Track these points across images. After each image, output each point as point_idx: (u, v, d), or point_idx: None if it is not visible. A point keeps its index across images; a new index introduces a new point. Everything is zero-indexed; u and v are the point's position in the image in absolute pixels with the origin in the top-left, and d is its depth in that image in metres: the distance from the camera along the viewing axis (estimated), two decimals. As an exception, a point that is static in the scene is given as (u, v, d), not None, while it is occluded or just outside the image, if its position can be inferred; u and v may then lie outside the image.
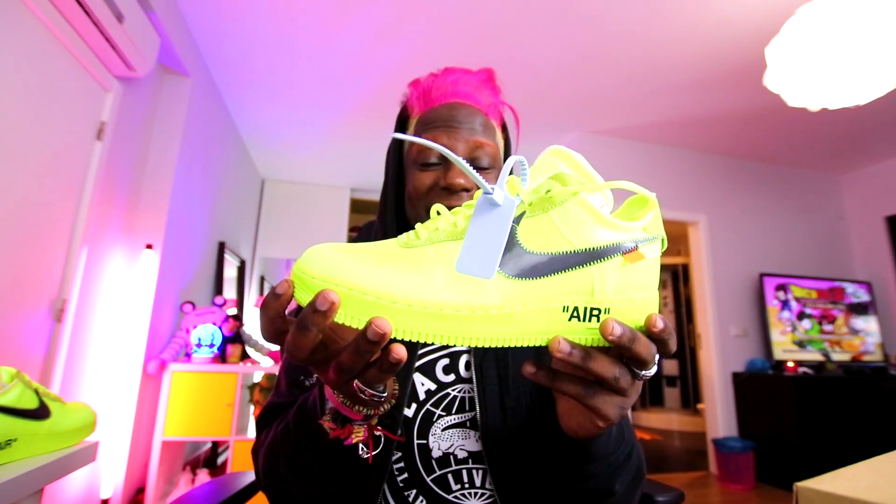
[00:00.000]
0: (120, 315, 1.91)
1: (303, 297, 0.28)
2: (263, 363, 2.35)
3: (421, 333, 0.28)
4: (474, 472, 0.54)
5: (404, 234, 0.33)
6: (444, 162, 0.58)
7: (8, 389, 0.57)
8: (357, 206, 4.61)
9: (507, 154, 0.65)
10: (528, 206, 0.31)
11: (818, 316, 3.45)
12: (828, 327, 3.45)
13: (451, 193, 0.56)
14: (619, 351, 0.31)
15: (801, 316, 3.40)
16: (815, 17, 1.52)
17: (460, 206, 0.55)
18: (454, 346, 0.30)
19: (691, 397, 5.32)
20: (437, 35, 2.28)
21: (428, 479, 0.53)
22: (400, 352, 0.29)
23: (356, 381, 0.33)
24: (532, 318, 0.30)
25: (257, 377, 2.50)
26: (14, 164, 1.24)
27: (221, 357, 2.23)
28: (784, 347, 3.30)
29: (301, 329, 0.28)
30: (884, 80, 1.56)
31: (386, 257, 0.30)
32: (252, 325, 3.24)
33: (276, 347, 2.37)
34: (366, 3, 2.06)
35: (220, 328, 2.25)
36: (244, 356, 2.30)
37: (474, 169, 0.57)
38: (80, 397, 1.65)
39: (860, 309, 3.55)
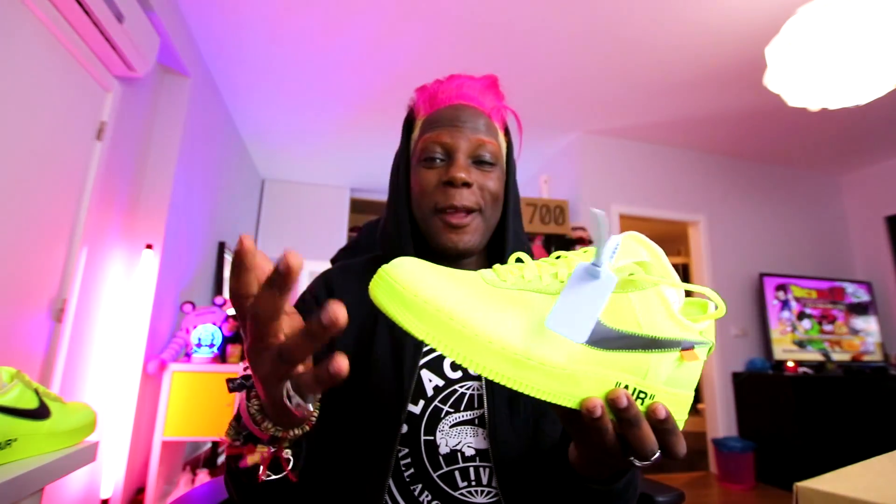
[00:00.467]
0: (120, 315, 1.91)
1: (382, 299, 0.31)
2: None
3: (479, 366, 0.30)
4: (481, 469, 0.54)
5: (488, 271, 0.35)
6: (447, 157, 0.59)
7: (8, 389, 0.57)
8: (357, 206, 4.61)
9: (509, 156, 0.65)
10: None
11: (818, 316, 3.45)
12: (828, 327, 3.45)
13: (453, 187, 0.57)
14: (653, 431, 0.33)
15: (801, 316, 3.41)
16: (815, 17, 1.52)
17: (461, 203, 0.56)
18: (514, 388, 0.31)
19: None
20: (437, 36, 2.28)
21: (434, 475, 0.53)
22: (341, 364, 0.29)
23: (287, 385, 0.32)
24: (587, 383, 0.32)
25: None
26: (14, 164, 1.24)
27: (221, 357, 2.23)
28: (784, 347, 3.30)
29: (268, 286, 0.28)
30: (884, 80, 1.56)
31: (470, 287, 0.32)
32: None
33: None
34: (366, 3, 2.06)
35: (220, 328, 2.25)
36: (244, 356, 2.29)
37: (478, 164, 0.58)
38: (80, 397, 1.65)
39: (860, 309, 3.55)
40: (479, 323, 0.30)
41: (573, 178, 3.33)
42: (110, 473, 1.79)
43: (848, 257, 3.87)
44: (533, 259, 0.38)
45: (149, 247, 1.98)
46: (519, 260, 0.37)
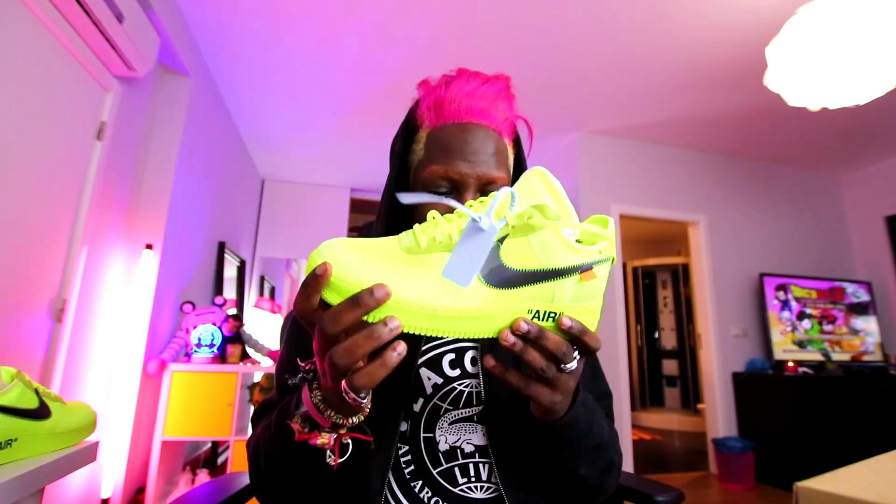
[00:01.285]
0: (120, 315, 1.91)
1: (331, 296, 0.35)
2: (263, 363, 2.35)
3: (417, 328, 0.36)
4: (480, 465, 0.55)
5: (405, 235, 0.39)
6: (455, 191, 0.56)
7: (8, 389, 0.57)
8: (357, 206, 4.61)
9: (517, 168, 0.64)
10: (511, 228, 0.38)
11: (818, 316, 3.45)
12: (828, 327, 3.45)
13: None
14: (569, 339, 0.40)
15: (801, 316, 3.41)
16: (815, 17, 1.52)
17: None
18: (444, 337, 0.37)
19: (691, 397, 5.32)
20: (436, 36, 2.28)
21: (434, 472, 0.54)
22: (393, 359, 0.35)
23: (345, 380, 0.36)
24: (504, 317, 0.38)
25: (257, 377, 2.50)
26: (14, 164, 1.24)
27: (221, 357, 2.23)
28: (784, 347, 3.30)
29: (352, 305, 0.34)
30: (884, 80, 1.56)
31: (394, 262, 0.37)
32: (252, 324, 3.24)
33: (276, 347, 2.38)
34: (366, 2, 2.06)
35: (220, 328, 2.25)
36: (244, 356, 2.30)
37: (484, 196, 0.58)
38: (80, 397, 1.65)
39: (860, 309, 3.55)
40: (401, 292, 0.35)
41: (573, 178, 3.33)
42: (110, 473, 1.79)
43: (848, 257, 3.87)
44: None
45: (149, 247, 1.98)
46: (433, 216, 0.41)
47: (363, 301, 0.33)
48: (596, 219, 0.43)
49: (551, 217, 0.39)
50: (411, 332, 0.35)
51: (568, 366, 0.40)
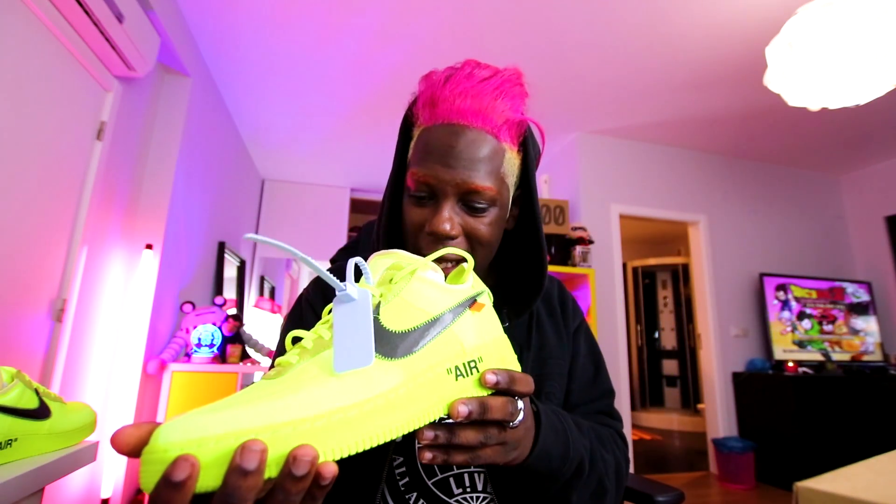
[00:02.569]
0: (120, 315, 1.91)
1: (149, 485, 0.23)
2: (263, 363, 2.35)
3: (339, 448, 0.26)
4: (475, 475, 0.54)
5: (273, 370, 0.31)
6: (434, 198, 0.53)
7: (8, 389, 0.57)
8: (357, 206, 4.61)
9: (525, 172, 0.59)
10: (381, 296, 0.35)
11: (818, 316, 3.45)
12: (828, 327, 3.45)
13: (437, 240, 0.52)
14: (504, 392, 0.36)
15: (801, 316, 3.40)
16: (815, 17, 1.52)
17: (448, 256, 0.52)
18: (374, 446, 0.28)
19: (691, 397, 5.32)
20: (436, 35, 2.28)
21: (429, 483, 0.53)
22: (331, 469, 0.25)
23: None
24: (427, 391, 0.32)
25: (257, 377, 2.50)
26: (14, 164, 1.24)
27: (221, 357, 2.23)
28: (784, 347, 3.30)
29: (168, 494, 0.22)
30: (884, 80, 1.56)
31: (257, 394, 0.27)
32: (252, 325, 3.24)
33: (275, 347, 2.38)
34: (366, 2, 2.06)
35: (219, 328, 2.25)
36: (244, 356, 2.30)
37: (467, 207, 0.53)
38: (80, 397, 1.65)
39: (860, 309, 3.55)
40: (283, 419, 0.25)
41: (573, 178, 3.32)
42: (110, 473, 1.79)
43: (848, 257, 3.87)
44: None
45: (149, 247, 1.98)
46: (295, 339, 0.36)
47: (161, 495, 0.22)
48: (456, 270, 0.45)
49: (408, 269, 0.37)
50: (336, 456, 0.26)
51: (515, 421, 0.37)
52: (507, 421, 0.36)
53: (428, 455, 0.35)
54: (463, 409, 0.33)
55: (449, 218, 0.51)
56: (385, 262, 0.38)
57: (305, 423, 0.26)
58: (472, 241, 0.54)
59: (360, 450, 0.27)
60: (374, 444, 0.28)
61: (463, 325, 0.36)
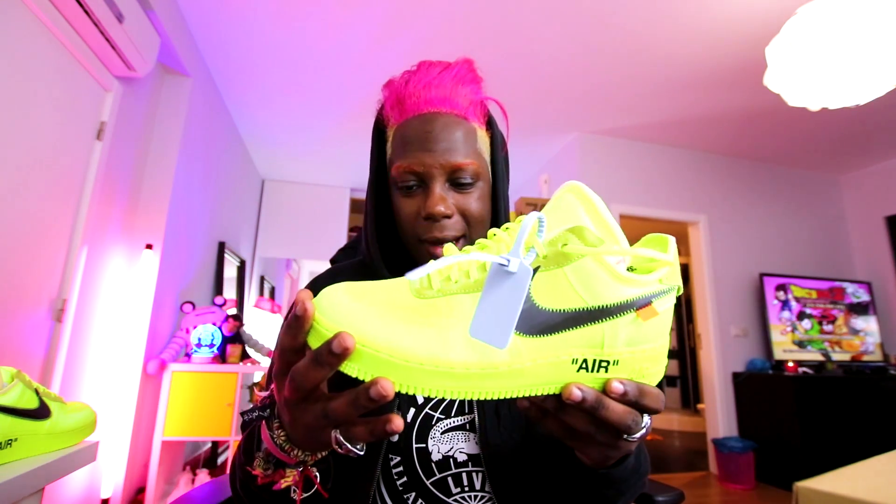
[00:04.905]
0: (120, 315, 1.91)
1: (314, 345, 0.29)
2: (263, 363, 2.35)
3: (431, 390, 0.29)
4: (474, 475, 0.54)
5: (416, 273, 0.31)
6: (423, 183, 0.55)
7: (8, 389, 0.57)
8: (357, 207, 4.61)
9: (494, 150, 0.60)
10: (542, 259, 0.31)
11: (818, 316, 3.45)
12: (828, 327, 3.45)
13: (434, 222, 0.54)
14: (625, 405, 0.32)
15: (801, 316, 3.40)
16: (815, 17, 1.52)
17: (443, 235, 0.54)
18: (462, 399, 0.30)
19: (691, 397, 5.32)
20: (436, 35, 2.28)
21: (427, 483, 0.53)
22: (397, 424, 0.30)
23: (336, 432, 0.33)
24: (541, 371, 0.30)
25: (257, 377, 2.50)
26: (14, 164, 1.24)
27: (221, 357, 2.23)
28: (784, 347, 3.30)
29: (315, 363, 0.29)
30: (884, 80, 1.56)
31: (398, 309, 0.30)
32: (252, 324, 3.24)
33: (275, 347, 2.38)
34: (366, 2, 2.06)
35: (219, 328, 2.25)
36: (244, 356, 2.30)
37: (456, 185, 0.55)
38: (80, 397, 1.65)
39: (860, 309, 3.55)
40: (411, 349, 0.28)
41: (573, 178, 3.32)
42: (110, 473, 1.79)
43: (848, 257, 3.87)
44: None
45: (149, 247, 1.98)
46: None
47: (323, 359, 0.28)
48: (652, 238, 0.35)
49: (591, 242, 0.31)
50: (423, 394, 0.29)
51: (634, 435, 0.33)
52: (621, 429, 0.32)
53: (525, 404, 0.33)
54: (577, 394, 0.30)
55: (441, 197, 0.54)
56: (573, 214, 0.32)
57: (417, 360, 0.29)
58: (467, 219, 0.56)
59: (449, 397, 0.29)
60: (464, 398, 0.30)
61: (617, 327, 0.30)
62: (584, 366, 0.31)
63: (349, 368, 0.29)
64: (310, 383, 0.30)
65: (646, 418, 0.33)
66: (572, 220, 0.31)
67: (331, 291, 0.30)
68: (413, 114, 0.56)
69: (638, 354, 0.32)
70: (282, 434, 0.38)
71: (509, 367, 0.30)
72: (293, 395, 0.31)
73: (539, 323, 0.30)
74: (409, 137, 0.55)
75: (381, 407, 0.52)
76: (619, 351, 0.31)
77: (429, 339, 0.29)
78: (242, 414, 0.41)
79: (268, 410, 0.41)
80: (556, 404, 0.32)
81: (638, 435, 0.33)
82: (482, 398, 0.30)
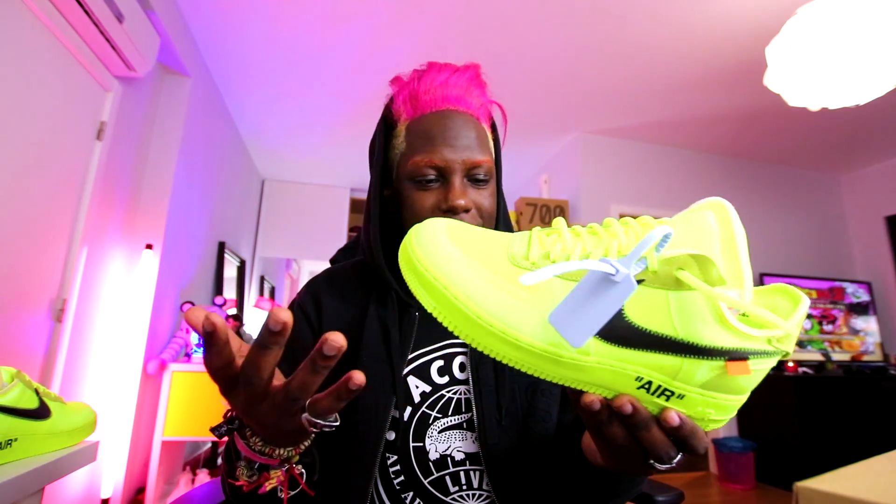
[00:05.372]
0: (120, 315, 1.91)
1: (407, 274, 0.31)
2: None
3: (493, 351, 0.30)
4: (472, 473, 0.54)
5: (519, 238, 0.33)
6: (443, 178, 0.56)
7: (8, 389, 0.57)
8: (357, 206, 4.61)
9: (497, 151, 0.63)
10: (651, 273, 0.28)
11: (818, 316, 3.45)
12: (828, 327, 3.45)
13: (454, 214, 0.55)
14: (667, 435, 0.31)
15: (801, 316, 3.40)
16: (815, 17, 1.52)
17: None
18: (516, 367, 0.30)
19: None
20: (436, 36, 2.28)
21: (425, 482, 0.53)
22: (359, 378, 0.30)
23: (305, 415, 0.32)
24: (601, 374, 0.29)
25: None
26: (14, 164, 1.24)
27: (221, 357, 2.23)
28: (784, 347, 3.30)
29: (260, 348, 0.28)
30: (884, 80, 1.55)
31: (490, 265, 0.31)
32: (252, 325, 3.24)
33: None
34: (366, 3, 2.06)
35: (220, 328, 2.24)
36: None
37: (472, 181, 0.57)
38: (80, 397, 1.65)
39: (860, 309, 3.55)
40: (488, 309, 0.29)
41: (573, 178, 3.32)
42: (110, 473, 1.79)
43: (848, 257, 3.87)
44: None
45: (149, 247, 1.98)
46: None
47: (266, 340, 0.28)
48: (779, 288, 0.32)
49: (712, 277, 0.28)
50: (486, 353, 0.30)
51: (662, 467, 0.32)
52: (653, 457, 0.32)
53: (598, 405, 0.31)
54: (628, 407, 0.29)
55: (463, 191, 0.55)
56: (705, 241, 0.29)
57: (497, 327, 0.29)
58: (481, 214, 0.58)
59: (505, 362, 0.30)
60: (519, 368, 0.30)
61: (699, 367, 0.28)
62: (646, 386, 0.29)
63: (428, 303, 0.30)
64: (264, 371, 0.30)
65: (679, 455, 0.32)
66: (702, 246, 0.28)
67: (432, 225, 0.32)
68: (430, 109, 0.57)
69: (708, 398, 0.30)
70: (258, 441, 0.39)
71: (572, 359, 0.29)
72: (249, 398, 0.31)
73: (619, 334, 0.29)
74: (428, 132, 0.56)
75: (376, 396, 0.54)
76: (690, 388, 0.29)
77: (507, 305, 0.29)
78: (212, 430, 0.41)
79: (236, 422, 0.41)
80: (603, 405, 0.31)
81: (665, 467, 0.32)
82: (534, 374, 0.30)
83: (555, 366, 0.29)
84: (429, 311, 0.30)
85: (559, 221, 0.34)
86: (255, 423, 0.35)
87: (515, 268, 0.31)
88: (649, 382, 0.29)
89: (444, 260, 0.30)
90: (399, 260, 0.32)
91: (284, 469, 0.40)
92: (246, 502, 0.45)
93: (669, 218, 0.32)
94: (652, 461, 0.32)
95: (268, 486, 0.40)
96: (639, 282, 0.28)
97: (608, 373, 0.29)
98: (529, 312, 0.29)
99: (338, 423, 0.34)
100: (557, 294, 0.30)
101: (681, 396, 0.29)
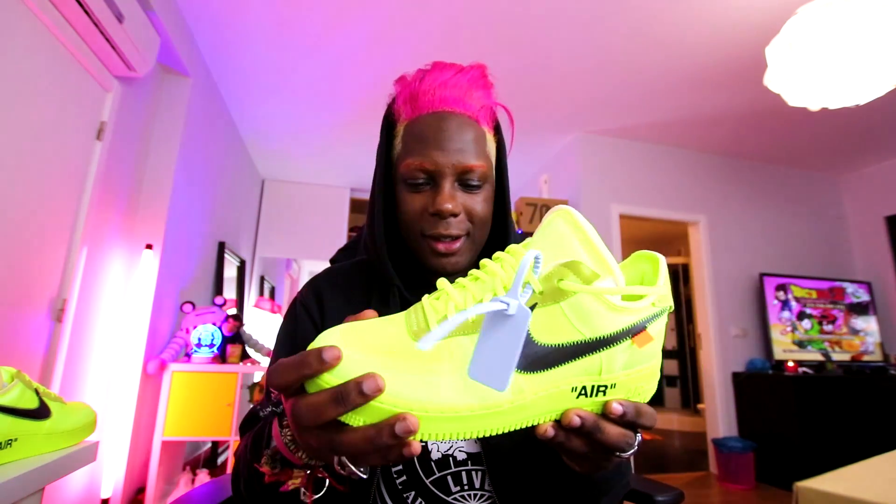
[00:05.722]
0: (120, 315, 1.91)
1: (313, 390, 0.29)
2: (263, 363, 2.35)
3: (439, 434, 0.29)
4: (473, 473, 0.54)
5: (412, 314, 0.32)
6: (432, 181, 0.56)
7: (8, 389, 0.57)
8: (357, 206, 4.61)
9: (500, 155, 0.62)
10: (539, 295, 0.31)
11: (818, 316, 3.45)
12: (828, 327, 3.45)
13: (441, 218, 0.55)
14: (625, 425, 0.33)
15: (801, 316, 3.40)
16: (815, 17, 1.52)
17: (448, 232, 0.55)
18: (466, 438, 0.30)
19: (691, 397, 5.32)
20: (436, 36, 2.28)
21: (427, 482, 0.53)
22: (416, 448, 0.29)
23: (340, 457, 0.32)
24: (542, 403, 0.31)
25: (257, 377, 2.51)
26: (14, 164, 1.24)
27: (221, 357, 2.23)
28: (784, 347, 3.30)
29: (336, 402, 0.28)
30: (884, 80, 1.56)
31: (396, 354, 0.30)
32: (252, 324, 3.24)
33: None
34: (366, 2, 2.06)
35: (219, 328, 2.25)
36: (244, 356, 2.30)
37: (464, 185, 0.56)
38: (80, 397, 1.65)
39: (860, 309, 3.55)
40: (418, 396, 0.28)
41: (573, 178, 3.33)
42: (110, 473, 1.79)
43: (848, 257, 3.87)
44: None
45: (149, 247, 1.98)
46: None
47: (349, 398, 0.27)
48: (641, 256, 0.36)
49: (586, 275, 0.31)
50: (430, 440, 0.29)
51: (627, 453, 0.34)
52: (616, 450, 0.33)
53: (551, 432, 0.32)
54: (576, 420, 0.31)
55: (451, 196, 0.55)
56: (562, 234, 0.32)
57: (422, 410, 0.28)
58: (471, 219, 0.57)
59: (455, 439, 0.30)
60: (469, 438, 0.30)
61: (615, 355, 0.31)
62: (583, 392, 0.32)
63: (354, 420, 0.28)
64: (323, 419, 0.29)
65: (637, 436, 0.35)
66: (566, 252, 0.31)
67: (324, 339, 0.30)
68: (427, 110, 0.56)
69: (634, 375, 0.33)
70: (287, 433, 0.38)
71: (512, 404, 0.30)
72: (297, 425, 0.31)
73: (538, 359, 0.30)
74: (421, 134, 0.56)
75: None
76: (617, 375, 0.32)
77: (431, 385, 0.29)
78: (255, 409, 0.40)
79: (281, 406, 0.40)
80: (556, 429, 0.32)
81: (629, 453, 0.34)
82: (486, 435, 0.30)
83: (501, 418, 0.30)
84: (348, 422, 0.29)
85: (442, 282, 0.34)
86: (293, 430, 0.34)
87: (412, 340, 0.31)
88: (584, 388, 0.31)
89: (355, 364, 0.28)
90: (308, 388, 0.30)
91: (308, 472, 0.40)
92: (258, 496, 0.45)
93: (531, 238, 0.34)
94: (617, 453, 0.34)
95: (290, 486, 0.39)
96: (532, 307, 0.31)
97: (547, 399, 0.31)
98: (453, 383, 0.29)
99: (367, 476, 0.33)
100: (460, 350, 0.30)
101: (613, 385, 0.32)
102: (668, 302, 0.33)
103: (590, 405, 0.32)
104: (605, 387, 0.32)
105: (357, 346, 0.30)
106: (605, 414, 0.32)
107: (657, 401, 5.53)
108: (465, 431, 0.30)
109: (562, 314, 0.30)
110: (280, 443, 0.38)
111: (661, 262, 0.34)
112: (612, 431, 0.32)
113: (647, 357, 0.33)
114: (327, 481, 0.41)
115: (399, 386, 0.28)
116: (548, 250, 0.32)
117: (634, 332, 0.31)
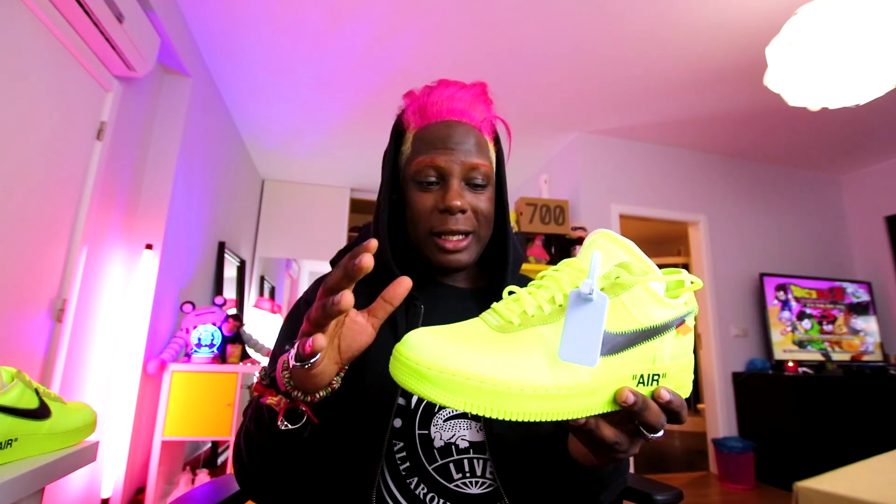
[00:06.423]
0: (120, 315, 1.91)
1: (411, 383, 0.32)
2: (263, 363, 2.34)
3: (527, 414, 0.32)
4: (475, 461, 0.56)
5: (490, 315, 0.37)
6: (441, 181, 0.61)
7: (8, 389, 0.57)
8: (357, 206, 4.61)
9: (500, 165, 0.66)
10: (602, 289, 0.36)
11: (818, 316, 3.45)
12: (828, 327, 3.45)
13: (450, 215, 0.59)
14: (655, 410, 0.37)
15: (801, 316, 3.40)
16: (815, 17, 1.52)
17: (456, 228, 0.59)
18: (549, 420, 0.34)
19: (691, 397, 5.31)
20: (436, 36, 2.28)
21: (430, 468, 0.55)
22: (347, 298, 0.36)
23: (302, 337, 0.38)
24: (612, 387, 0.35)
25: (257, 377, 2.50)
26: (14, 164, 1.24)
27: (221, 357, 2.23)
28: (784, 347, 3.30)
29: (345, 277, 0.36)
30: (884, 80, 1.55)
31: (485, 342, 0.34)
32: (252, 324, 3.24)
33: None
34: (366, 3, 2.06)
35: (219, 328, 2.25)
36: (244, 356, 2.30)
37: (470, 186, 0.60)
38: (80, 397, 1.65)
39: (860, 309, 3.55)
40: (508, 376, 0.32)
41: (573, 178, 3.33)
42: (110, 473, 1.79)
43: (848, 257, 3.87)
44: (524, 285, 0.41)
45: (149, 247, 1.98)
46: (511, 292, 0.39)
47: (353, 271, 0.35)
48: (667, 272, 0.42)
49: (636, 272, 0.37)
50: (520, 419, 0.32)
51: (656, 434, 0.38)
52: (651, 429, 0.37)
53: (582, 420, 0.36)
54: (630, 397, 0.34)
55: (459, 193, 0.59)
56: (614, 253, 0.38)
57: (519, 386, 0.32)
58: (477, 217, 0.61)
59: (529, 420, 0.32)
60: (548, 420, 0.33)
61: (664, 342, 0.37)
62: (641, 380, 0.36)
63: (454, 402, 0.31)
64: (334, 284, 0.37)
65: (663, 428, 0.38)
66: (615, 258, 0.38)
67: (417, 334, 0.34)
68: (435, 119, 0.62)
69: (678, 367, 0.38)
70: (287, 374, 0.43)
71: (589, 386, 0.34)
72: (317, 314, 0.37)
73: (609, 345, 0.35)
74: (431, 137, 0.61)
75: (383, 390, 0.55)
76: (667, 364, 0.38)
77: (520, 365, 0.33)
78: (261, 378, 0.47)
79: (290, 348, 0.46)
80: (635, 394, 0.36)
81: (657, 435, 0.38)
82: (567, 418, 0.33)
83: (582, 398, 0.34)
84: (460, 409, 0.31)
85: (514, 288, 0.39)
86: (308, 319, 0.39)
87: (506, 334, 0.35)
88: (642, 375, 0.36)
89: (449, 358, 0.32)
90: (393, 373, 0.34)
91: (287, 400, 0.43)
92: (256, 448, 0.49)
93: (579, 256, 0.40)
94: (645, 433, 0.37)
95: (269, 400, 0.44)
96: None
97: (616, 383, 0.35)
98: (540, 364, 0.33)
99: (315, 359, 0.39)
100: (543, 338, 0.35)
101: (664, 375, 0.38)
102: (696, 304, 0.40)
103: (645, 392, 0.37)
104: (658, 375, 0.37)
105: (443, 336, 0.34)
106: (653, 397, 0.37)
107: (657, 401, 5.53)
108: (549, 411, 0.33)
109: (622, 305, 0.36)
110: (278, 373, 0.44)
111: (683, 272, 0.40)
112: (655, 410, 0.36)
113: (685, 351, 0.39)
114: (306, 416, 0.45)
115: (488, 365, 0.32)
116: (603, 262, 0.37)
117: (677, 323, 0.38)
